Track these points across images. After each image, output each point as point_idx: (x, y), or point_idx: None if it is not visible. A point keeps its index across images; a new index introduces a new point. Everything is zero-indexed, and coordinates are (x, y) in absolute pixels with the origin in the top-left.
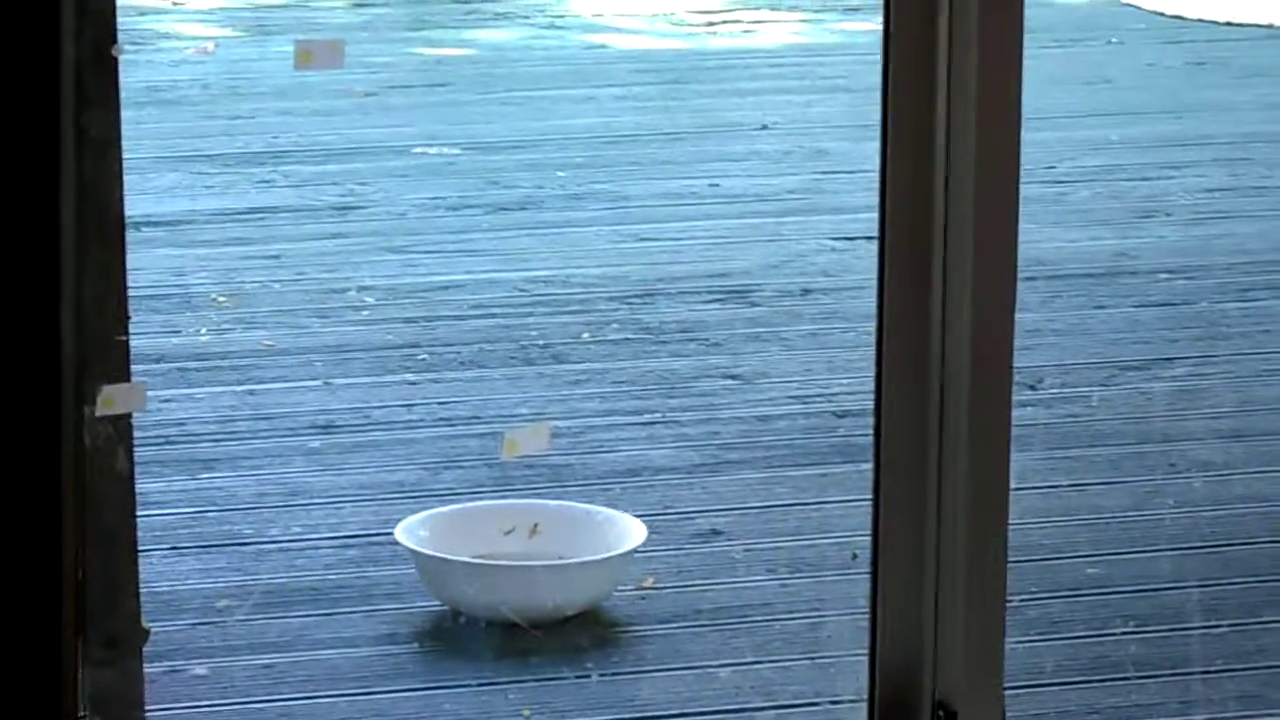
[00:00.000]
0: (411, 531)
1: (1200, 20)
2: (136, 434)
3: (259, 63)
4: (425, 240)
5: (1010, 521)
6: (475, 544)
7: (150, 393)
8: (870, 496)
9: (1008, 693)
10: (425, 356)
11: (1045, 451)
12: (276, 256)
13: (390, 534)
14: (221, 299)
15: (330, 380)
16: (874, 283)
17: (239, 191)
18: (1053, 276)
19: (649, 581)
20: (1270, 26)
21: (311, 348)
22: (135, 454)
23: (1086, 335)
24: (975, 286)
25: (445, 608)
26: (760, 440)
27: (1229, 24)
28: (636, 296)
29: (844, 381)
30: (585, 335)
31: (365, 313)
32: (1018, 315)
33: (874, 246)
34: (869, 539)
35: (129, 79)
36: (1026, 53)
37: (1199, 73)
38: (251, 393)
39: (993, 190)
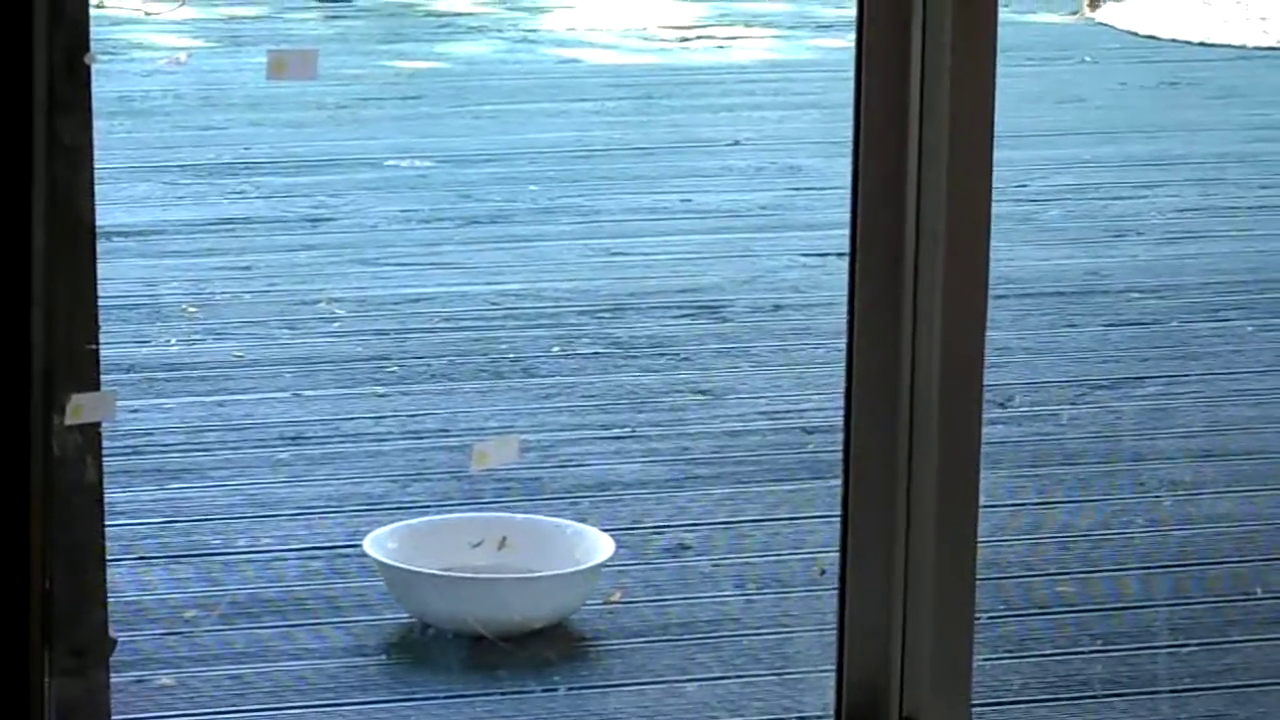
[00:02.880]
0: (380, 543)
1: (1173, 40)
2: (105, 443)
3: (231, 74)
4: (396, 253)
5: (979, 539)
6: (443, 556)
7: (119, 402)
8: (839, 513)
9: (975, 709)
10: (395, 369)
11: (1015, 469)
12: (247, 267)
13: (358, 546)
14: (192, 309)
15: (299, 392)
16: (845, 299)
17: (210, 202)
18: (1024, 295)
19: (617, 596)
20: (1242, 47)
21: (281, 359)
22: (104, 463)
23: (1057, 354)
24: (946, 304)
25: (413, 620)
26: (729, 456)
27: (1202, 44)
28: (607, 311)
29: (814, 398)
30: (555, 349)
31: (335, 324)
32: (989, 333)
33: (845, 263)
34: (837, 555)
35: (101, 88)
36: (1000, 71)
37: (1172, 93)
38: (221, 403)
39: (964, 208)
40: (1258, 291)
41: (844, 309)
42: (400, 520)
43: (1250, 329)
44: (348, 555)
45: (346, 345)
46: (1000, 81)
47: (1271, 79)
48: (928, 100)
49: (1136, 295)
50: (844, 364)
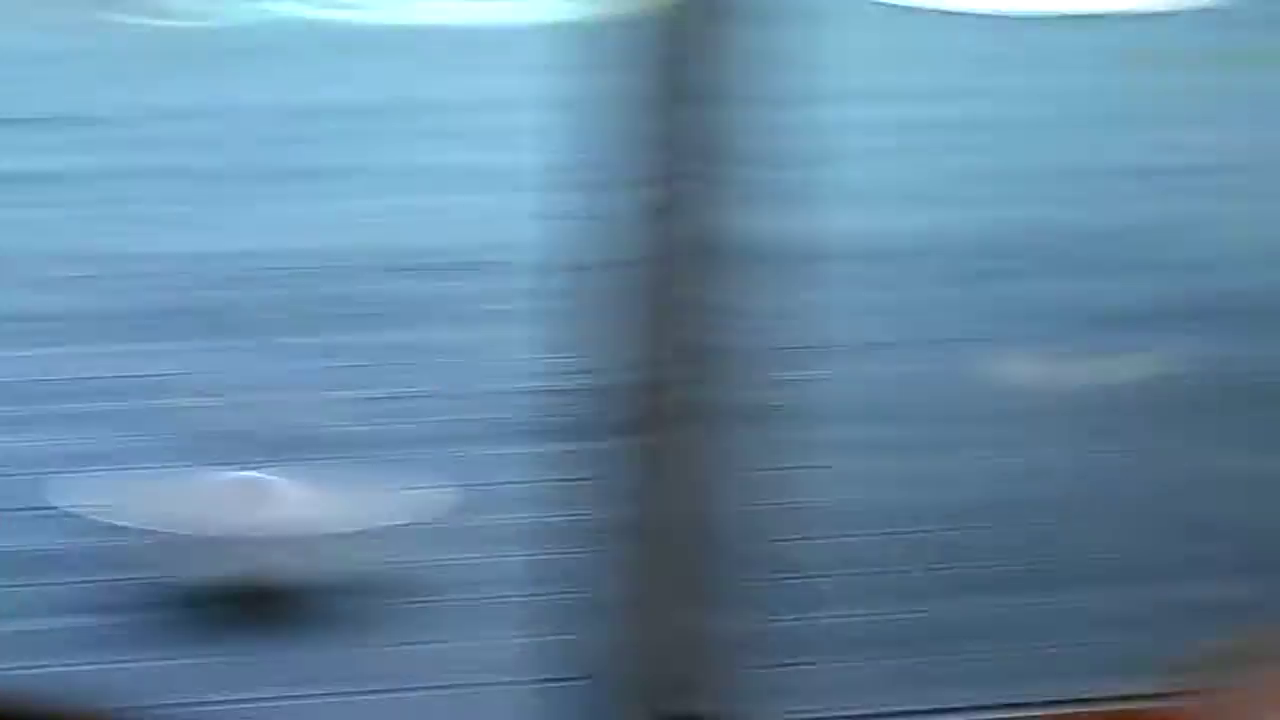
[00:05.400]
0: (135, 502)
1: (930, 8)
2: None
3: None
4: (134, 210)
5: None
6: (201, 515)
7: None
8: (609, 472)
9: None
10: (185, 323)
11: (823, 426)
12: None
13: (111, 505)
14: None
15: (49, 349)
16: (604, 260)
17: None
18: (837, 255)
19: (381, 555)
20: (995, 15)
21: (11, 315)
22: None
23: (860, 312)
24: (708, 267)
25: (171, 579)
26: (491, 415)
27: (956, 12)
28: (339, 272)
29: (572, 358)
30: (288, 311)
31: (75, 282)
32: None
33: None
34: (613, 513)
35: None
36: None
37: (921, 59)
38: None
39: (724, 173)
40: (1001, 256)
41: (627, 268)
42: (148, 479)
43: (1053, 288)
44: (101, 514)
45: (131, 299)
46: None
47: (1024, 46)
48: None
49: (943, 255)
50: (625, 323)
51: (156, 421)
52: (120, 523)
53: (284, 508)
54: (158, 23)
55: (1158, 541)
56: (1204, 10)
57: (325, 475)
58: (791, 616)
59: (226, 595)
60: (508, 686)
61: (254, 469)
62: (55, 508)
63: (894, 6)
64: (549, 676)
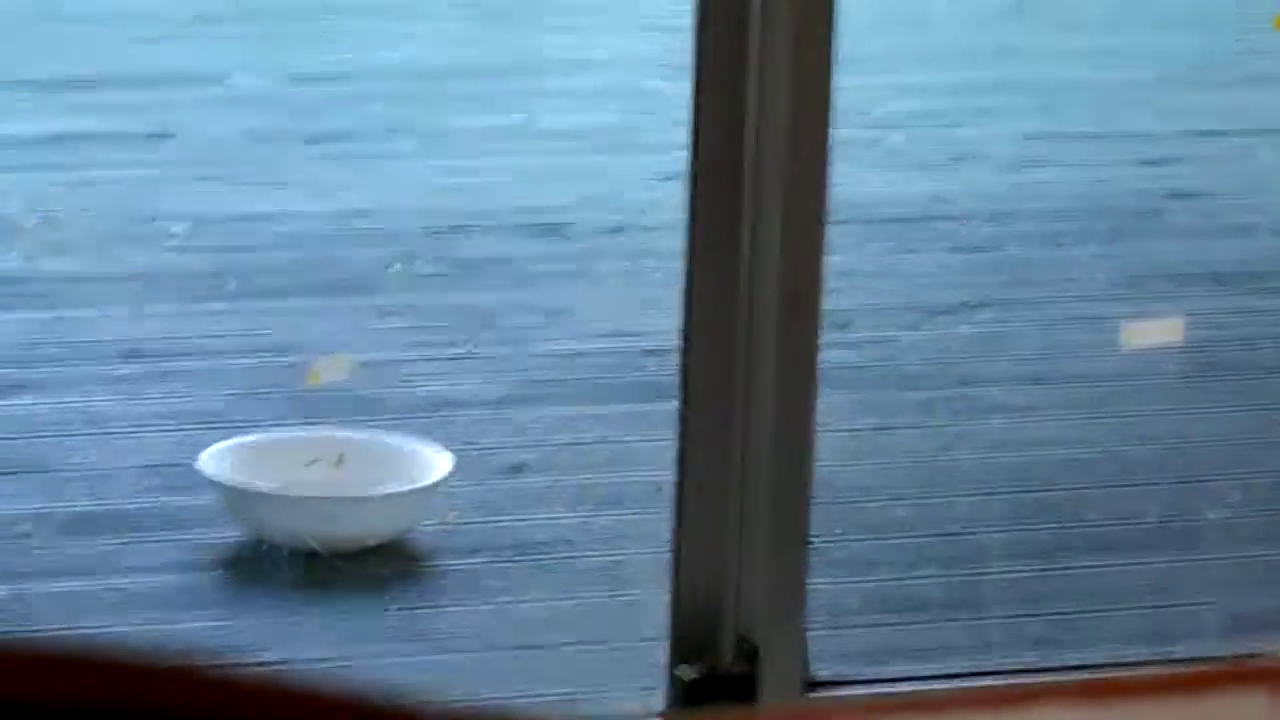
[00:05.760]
0: (216, 460)
1: None
2: None
3: None
4: (237, 171)
5: (816, 462)
6: (279, 474)
7: None
8: (676, 434)
9: (810, 631)
10: (234, 286)
11: (852, 393)
12: (88, 183)
13: (194, 462)
14: (31, 224)
15: (137, 308)
16: (685, 223)
17: (51, 117)
18: (866, 220)
19: (452, 515)
20: None
21: (120, 275)
22: None
23: (897, 278)
24: (785, 227)
25: (249, 537)
26: (568, 376)
27: None
28: (448, 231)
29: (653, 320)
30: (396, 268)
31: (175, 241)
32: (829, 257)
33: (686, 187)
34: (674, 477)
35: None
36: None
37: (1016, 18)
38: (58, 319)
39: (804, 132)
40: (1094, 219)
41: (683, 232)
42: (236, 437)
43: (1086, 256)
44: (183, 472)
45: (185, 261)
46: (841, 5)
47: (1113, 6)
48: (768, 23)
49: (976, 221)
50: (683, 286)
51: (243, 381)
52: (205, 480)
53: (360, 467)
54: None
55: (1258, 500)
56: None
57: (397, 435)
58: (884, 578)
59: (304, 554)
60: (573, 647)
61: (334, 428)
62: (138, 465)
63: None
64: (611, 637)
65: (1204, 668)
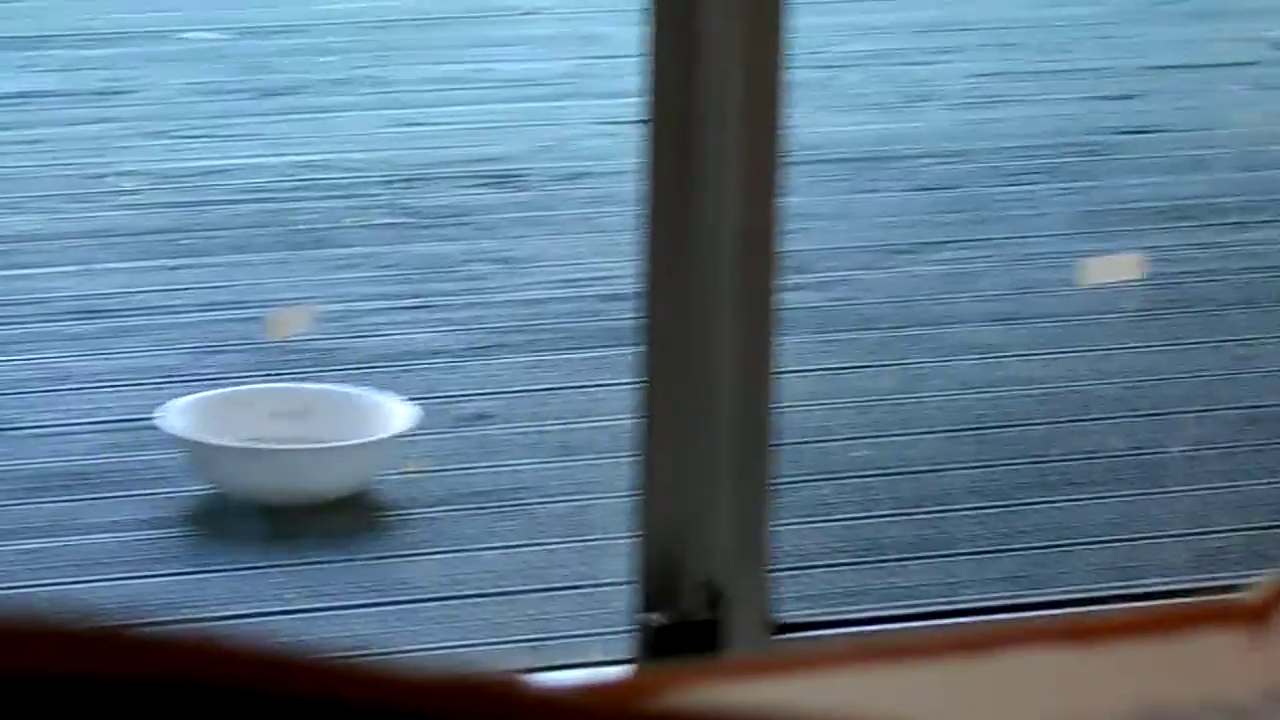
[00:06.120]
0: (176, 415)
1: None
2: None
3: None
4: (189, 125)
5: (778, 404)
6: (241, 428)
7: None
8: (638, 379)
9: (775, 574)
10: (189, 241)
11: (814, 335)
12: (37, 141)
13: (154, 418)
14: None
15: (91, 266)
16: (642, 168)
17: (1, 75)
18: (821, 160)
19: (416, 465)
20: None
21: (73, 233)
22: None
23: (854, 219)
24: (741, 170)
25: (212, 491)
26: (528, 324)
27: None
28: (403, 181)
29: (612, 265)
30: (351, 220)
31: (128, 198)
32: (786, 199)
33: (642, 131)
34: (636, 422)
35: None
36: None
37: None
38: (12, 277)
39: (758, 74)
40: (1055, 156)
41: (641, 177)
42: (197, 392)
43: (1048, 193)
44: (144, 428)
45: (139, 218)
46: None
47: None
48: None
49: (934, 160)
50: (641, 232)
51: (202, 336)
52: (167, 436)
53: (322, 420)
54: None
55: (1223, 434)
56: None
57: (359, 387)
58: (848, 519)
59: (265, 507)
60: (539, 594)
61: (295, 381)
62: (98, 422)
63: None
64: (577, 584)
65: (1182, 607)
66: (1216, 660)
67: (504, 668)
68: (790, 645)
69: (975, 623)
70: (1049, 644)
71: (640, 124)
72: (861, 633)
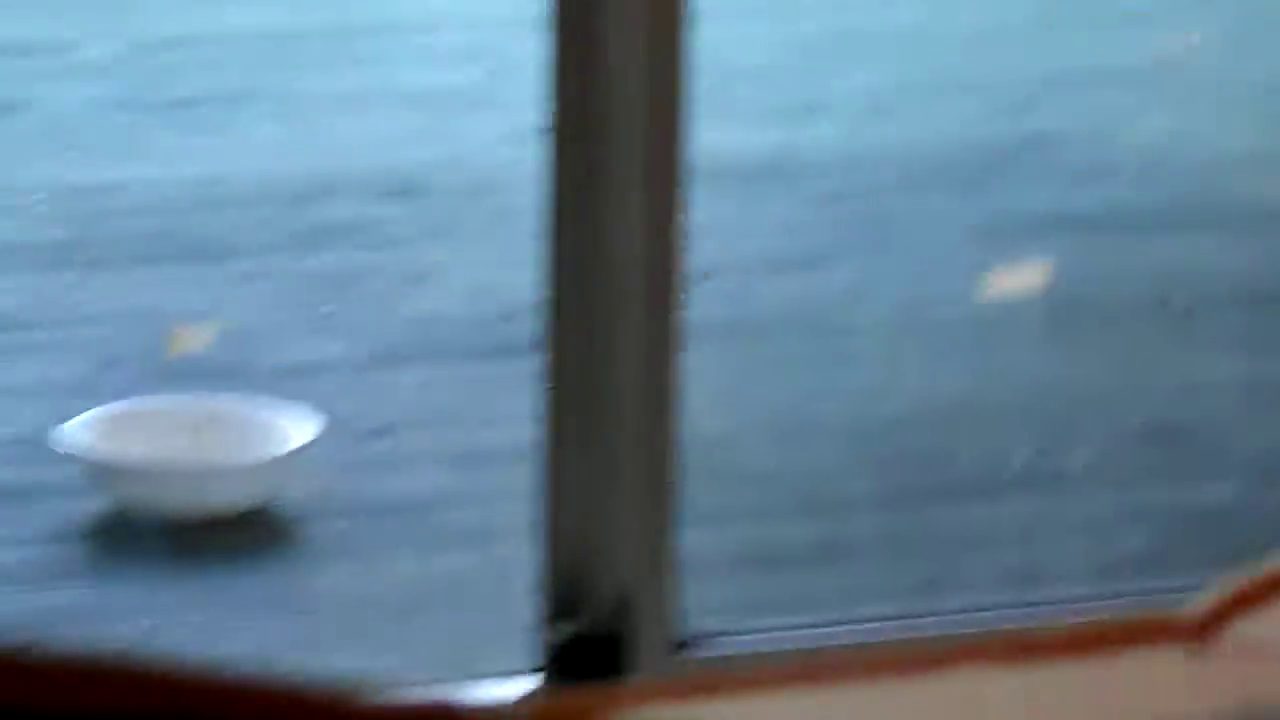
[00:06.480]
0: (77, 431)
1: None
2: None
3: None
4: (89, 140)
5: (682, 416)
6: (142, 443)
7: None
8: (541, 391)
9: (682, 584)
10: (88, 255)
11: (715, 346)
12: None
13: (54, 434)
14: None
15: None
16: (544, 180)
17: None
18: (718, 174)
19: (319, 480)
20: None
21: None
22: None
23: (752, 231)
24: (644, 182)
25: (114, 508)
26: (431, 337)
27: None
28: (305, 194)
29: (515, 278)
30: (253, 234)
31: (27, 213)
32: (687, 211)
33: (544, 143)
34: (540, 433)
35: None
36: None
37: None
38: None
39: (661, 86)
40: (949, 168)
41: (544, 190)
42: (97, 407)
43: (943, 204)
44: (43, 443)
45: (39, 232)
46: None
47: None
48: None
49: (832, 173)
50: (544, 244)
51: (103, 350)
52: (68, 451)
53: (225, 434)
54: None
55: (1116, 446)
56: None
57: (261, 401)
58: (751, 529)
59: (169, 524)
60: (444, 608)
61: (197, 395)
62: (5, 437)
63: None
64: (482, 597)
65: (1122, 622)
66: (1161, 679)
67: (410, 681)
68: (711, 669)
69: (889, 633)
70: (992, 662)
71: (543, 136)
72: (779, 649)
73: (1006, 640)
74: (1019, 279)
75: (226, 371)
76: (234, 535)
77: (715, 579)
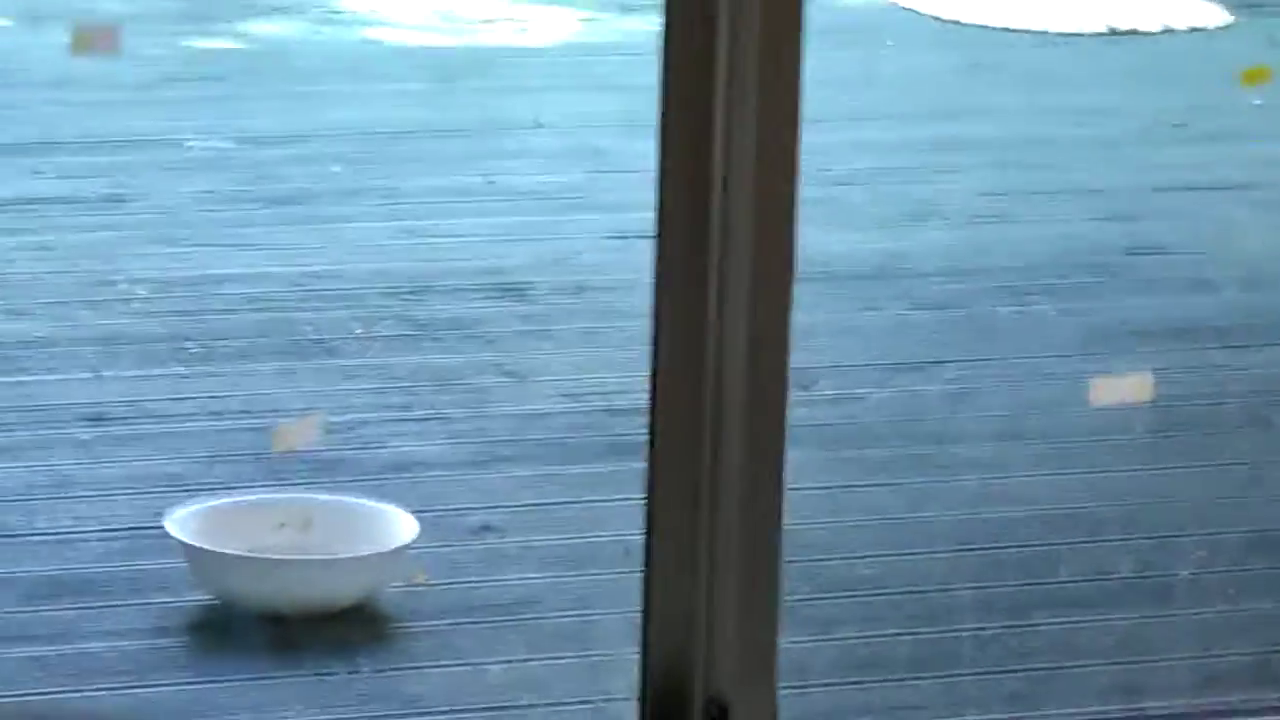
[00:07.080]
0: (182, 524)
1: (975, 25)
2: None
3: (30, 51)
4: (197, 233)
5: (784, 520)
6: (247, 537)
7: None
8: (643, 493)
9: (781, 690)
10: (196, 349)
11: (820, 451)
12: (46, 247)
13: (160, 526)
14: None
15: (100, 372)
16: (648, 280)
17: (8, 180)
18: (827, 278)
19: (421, 577)
20: (1044, 33)
21: (81, 339)
22: None
23: (860, 336)
24: (752, 286)
25: (216, 601)
26: (533, 437)
27: (1004, 29)
28: (409, 292)
29: (618, 379)
30: (358, 330)
31: (136, 304)
32: (793, 315)
33: (648, 244)
34: (642, 536)
35: None
36: (803, 55)
37: (973, 76)
38: (20, 383)
39: (771, 190)
40: (1058, 275)
41: (648, 290)
42: (203, 501)
43: (1052, 312)
44: (149, 536)
45: (147, 325)
46: (804, 65)
47: (1071, 64)
48: (734, 81)
49: (938, 278)
50: (648, 345)
51: (208, 444)
52: (172, 544)
53: (327, 530)
54: (210, 44)
55: (1220, 557)
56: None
57: (364, 498)
58: (853, 635)
59: (271, 619)
60: (543, 708)
61: (300, 491)
62: (102, 529)
63: (946, 22)
64: (580, 699)
65: None
66: None
67: None
68: None
69: None
70: None
71: (649, 238)
72: None
73: None
74: (1123, 388)
75: (330, 467)
76: (334, 631)
77: (815, 685)
